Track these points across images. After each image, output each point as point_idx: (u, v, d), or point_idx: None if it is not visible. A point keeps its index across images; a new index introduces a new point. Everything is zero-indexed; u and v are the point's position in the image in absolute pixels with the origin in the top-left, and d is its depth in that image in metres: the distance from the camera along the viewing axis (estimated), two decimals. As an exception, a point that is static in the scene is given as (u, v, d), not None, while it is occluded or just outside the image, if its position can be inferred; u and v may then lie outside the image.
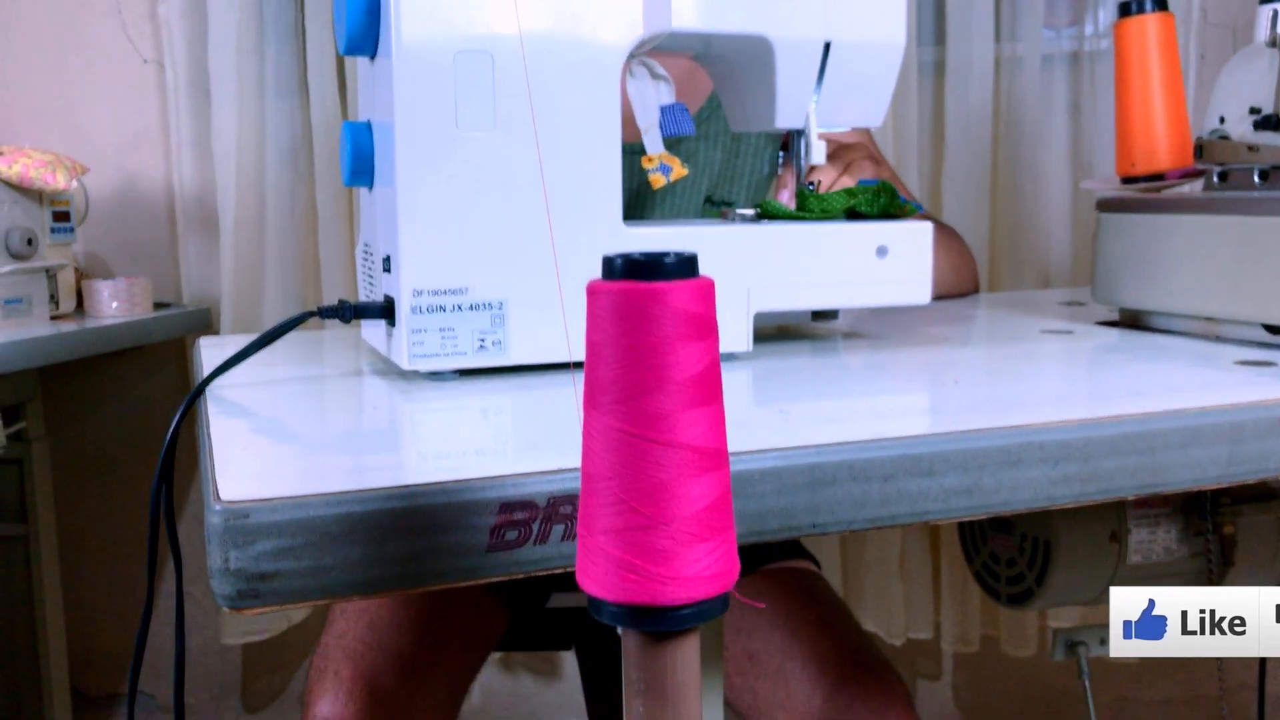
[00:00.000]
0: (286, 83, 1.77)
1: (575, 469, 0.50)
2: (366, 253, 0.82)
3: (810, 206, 0.84)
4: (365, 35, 0.74)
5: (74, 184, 1.56)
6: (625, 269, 0.38)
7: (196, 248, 1.84)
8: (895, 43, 0.82)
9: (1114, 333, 0.94)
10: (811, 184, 0.87)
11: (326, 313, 0.74)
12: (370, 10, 0.73)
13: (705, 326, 0.38)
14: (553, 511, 0.50)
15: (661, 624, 0.38)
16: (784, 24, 0.79)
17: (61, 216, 1.61)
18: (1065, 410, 0.62)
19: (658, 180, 0.81)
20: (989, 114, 1.61)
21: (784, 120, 0.82)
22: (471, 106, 0.72)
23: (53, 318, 1.60)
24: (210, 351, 0.95)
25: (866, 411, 0.66)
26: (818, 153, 0.82)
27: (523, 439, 0.57)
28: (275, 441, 0.60)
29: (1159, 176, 1.05)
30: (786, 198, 0.90)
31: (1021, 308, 1.15)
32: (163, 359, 1.85)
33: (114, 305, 1.65)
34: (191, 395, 0.70)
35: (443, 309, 0.73)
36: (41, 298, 1.58)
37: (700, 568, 0.38)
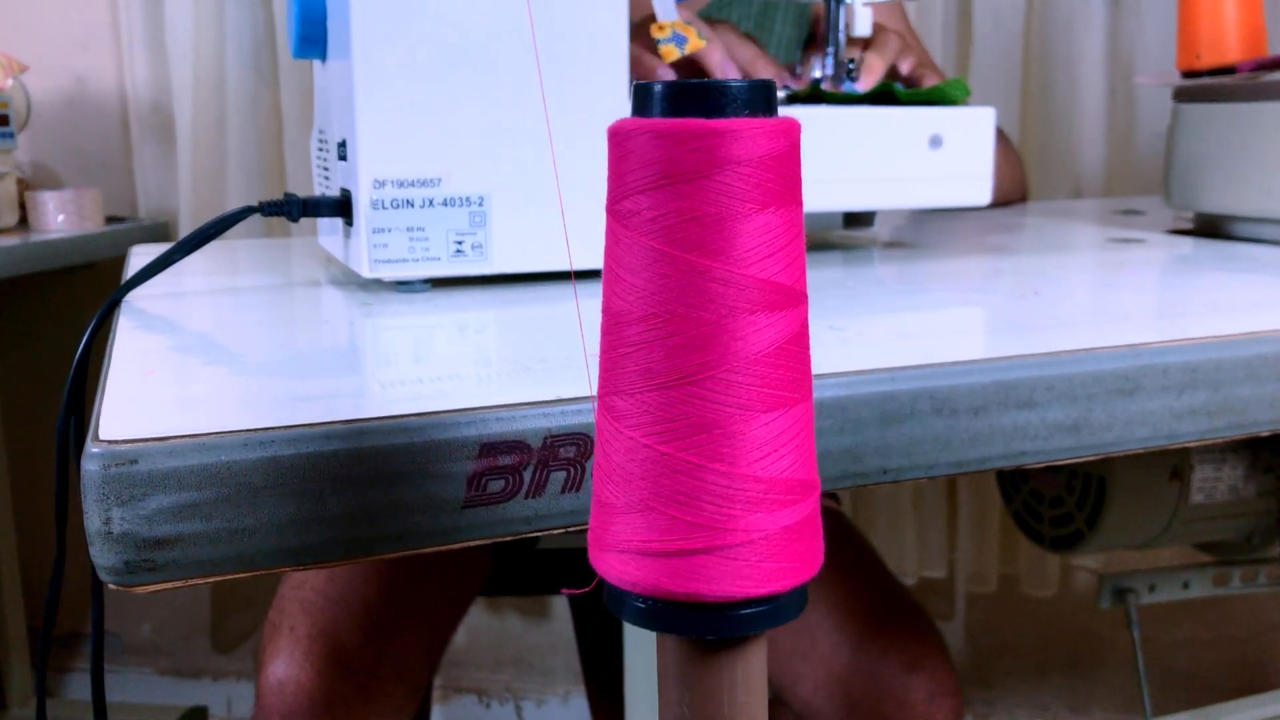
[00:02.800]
0: (247, -25, 1.61)
1: (579, 399, 0.38)
2: (321, 141, 0.69)
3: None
4: None
5: (9, 82, 1.41)
6: (670, 99, 0.25)
7: (152, 156, 1.69)
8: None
9: (1189, 242, 0.82)
10: (851, 62, 0.74)
11: (269, 209, 0.61)
12: None
13: (788, 186, 0.25)
14: (550, 455, 0.38)
15: (718, 628, 0.26)
16: None
17: (-1, 120, 1.46)
18: (1182, 327, 0.50)
19: (669, 52, 0.67)
20: (1021, 1, 1.47)
21: (823, -18, 0.69)
22: (444, -48, 0.58)
23: (-7, 232, 1.46)
24: (143, 259, 0.82)
25: (940, 327, 0.53)
26: (862, 22, 0.69)
27: (511, 363, 0.45)
28: (191, 365, 0.47)
29: (1229, 70, 0.92)
30: (814, 69, 0.76)
31: (1073, 215, 1.02)
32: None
33: (60, 219, 1.51)
34: (104, 308, 0.57)
35: (410, 204, 0.59)
36: (-22, 210, 1.44)
37: (778, 543, 0.26)
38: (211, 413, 0.38)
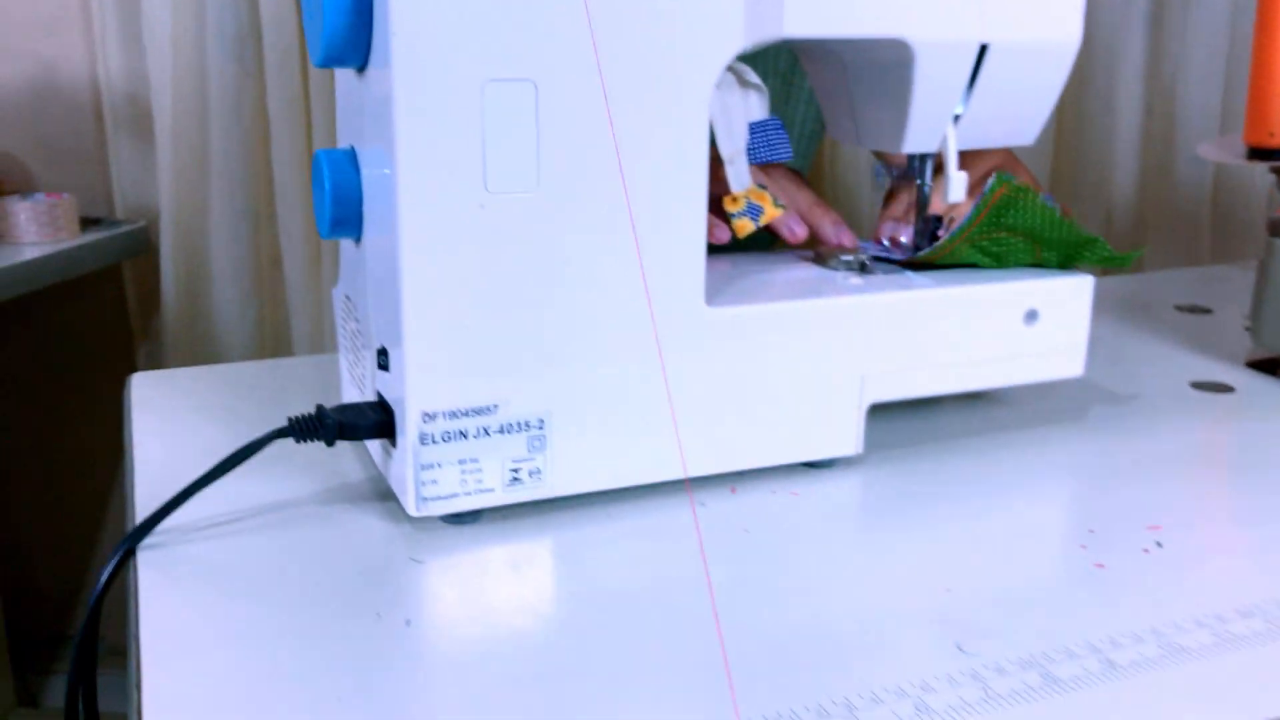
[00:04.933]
0: (228, -41, 1.49)
1: None
2: (349, 305, 0.61)
3: (986, 255, 0.64)
4: (350, 40, 0.51)
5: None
6: None
7: (129, 151, 1.58)
8: (1068, 41, 0.61)
9: None
10: (938, 219, 0.66)
11: (301, 432, 0.54)
12: (358, 9, 0.50)
13: None
14: None
15: None
16: (931, 22, 0.57)
17: (-38, 125, 1.36)
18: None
19: (744, 227, 0.60)
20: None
21: (915, 143, 0.61)
22: (506, 156, 0.50)
23: (-42, 242, 1.37)
24: (144, 392, 0.75)
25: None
26: (958, 187, 0.62)
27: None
28: (226, 655, 0.41)
29: (1304, 152, 0.86)
30: (889, 231, 0.69)
31: (1130, 317, 0.95)
32: (95, 285, 1.62)
33: (33, 230, 1.41)
34: (116, 558, 0.51)
35: (464, 435, 0.53)
36: (-57, 221, 1.34)
37: None
38: None
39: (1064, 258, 0.65)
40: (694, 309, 0.55)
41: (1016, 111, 0.62)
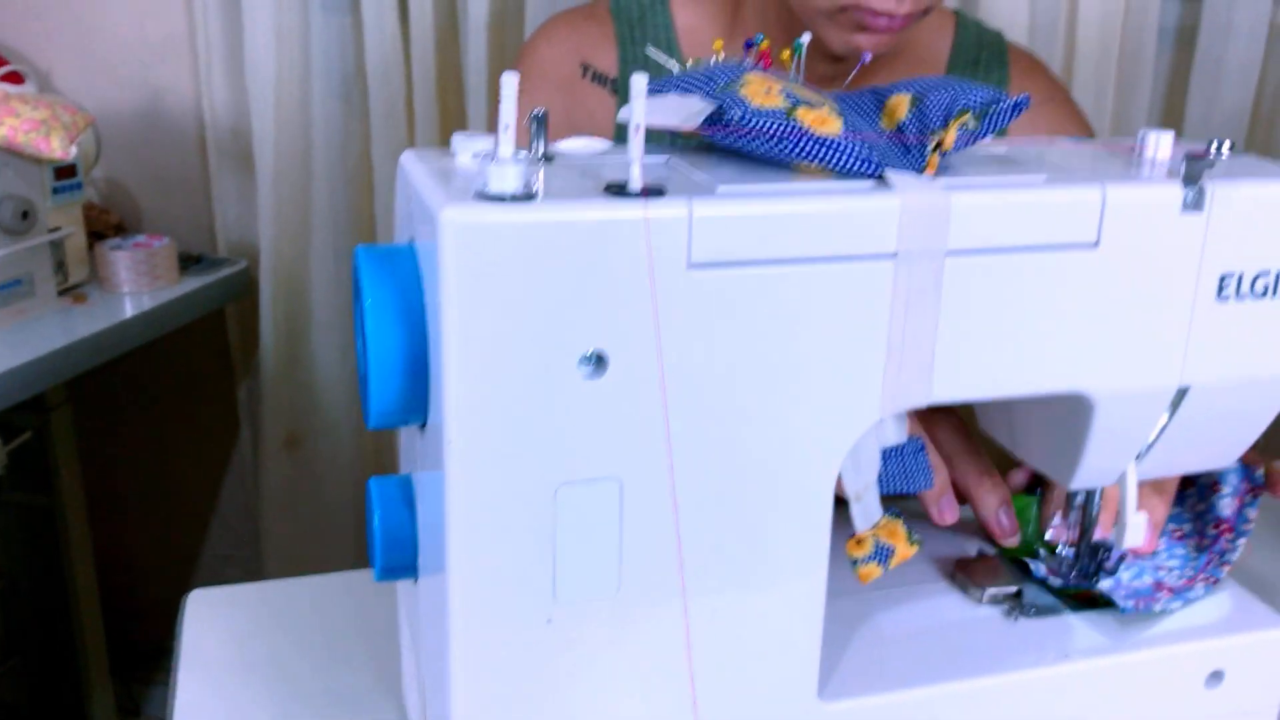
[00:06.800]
0: (335, -3, 1.41)
1: None
2: (414, 646, 0.54)
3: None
4: (404, 403, 0.43)
5: (74, 150, 1.25)
6: None
7: (232, 185, 1.53)
8: (1291, 374, 0.49)
9: None
10: (1106, 552, 0.55)
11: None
12: (413, 372, 0.42)
13: None
14: None
15: None
16: (1117, 373, 0.46)
17: (65, 172, 1.32)
18: None
19: (869, 574, 0.50)
20: (1247, 105, 1.21)
21: (1087, 480, 0.51)
22: (580, 568, 0.42)
23: (61, 291, 1.34)
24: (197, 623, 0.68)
25: None
26: (1135, 532, 0.51)
27: None
28: None
29: None
30: (1057, 533, 0.59)
31: None
32: (199, 326, 1.57)
33: (131, 279, 1.37)
34: None
35: None
36: (45, 273, 1.31)
37: None
38: None
39: None
40: (804, 704, 0.46)
41: (1217, 442, 0.51)
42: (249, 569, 1.74)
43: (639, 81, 0.39)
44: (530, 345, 0.39)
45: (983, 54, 0.89)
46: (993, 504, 0.59)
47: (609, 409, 0.40)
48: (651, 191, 0.40)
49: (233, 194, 1.53)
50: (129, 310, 1.33)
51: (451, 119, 1.41)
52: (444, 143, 1.43)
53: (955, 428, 0.62)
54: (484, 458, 0.40)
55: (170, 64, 1.52)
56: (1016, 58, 0.90)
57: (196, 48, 1.47)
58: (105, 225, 1.52)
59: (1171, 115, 1.29)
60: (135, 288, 1.38)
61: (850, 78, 0.77)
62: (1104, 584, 0.56)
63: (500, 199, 0.38)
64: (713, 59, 0.49)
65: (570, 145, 0.47)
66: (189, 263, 1.48)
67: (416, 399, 0.42)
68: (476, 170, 0.39)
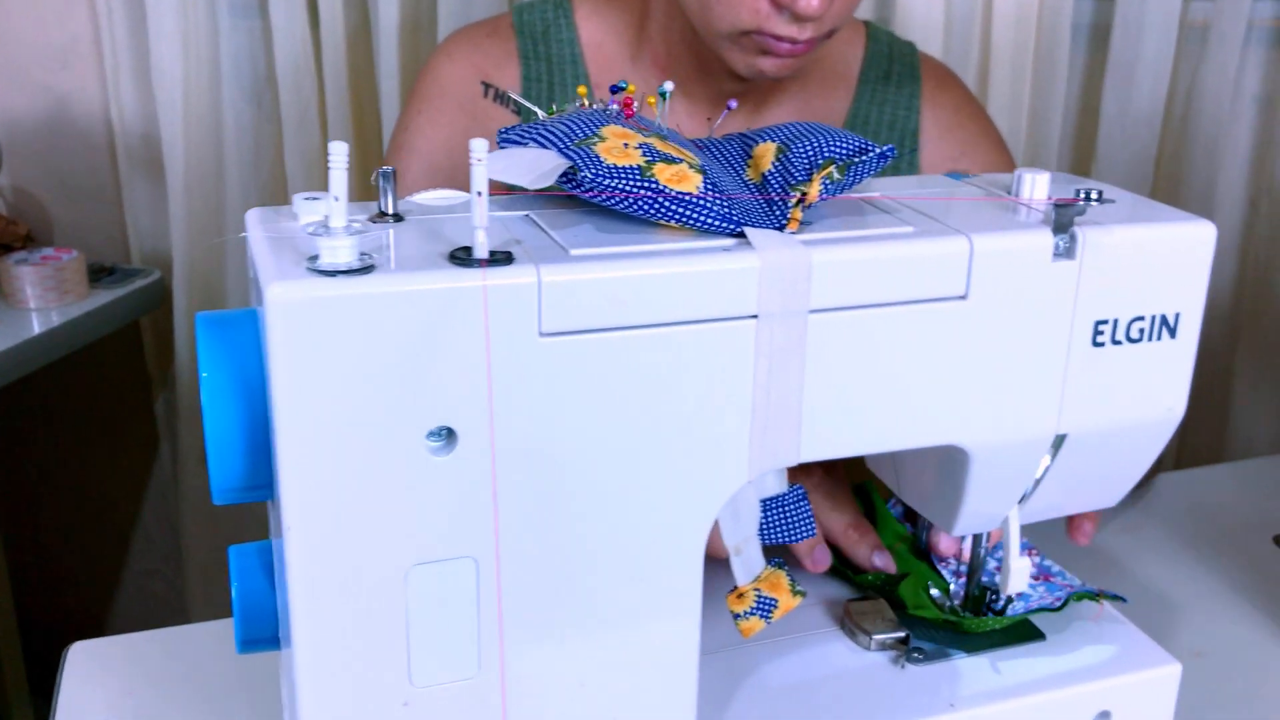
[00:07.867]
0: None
1: None
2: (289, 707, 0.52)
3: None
4: (249, 478, 0.41)
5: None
6: None
7: (144, 193, 1.49)
8: (1170, 418, 0.48)
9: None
10: (994, 595, 0.55)
11: None
12: (254, 447, 0.40)
13: None
14: None
15: None
16: (989, 426, 0.45)
17: (-37, 183, 1.27)
18: None
19: (752, 628, 0.49)
20: (1160, 104, 1.22)
21: (968, 526, 0.50)
22: (436, 649, 0.40)
23: (-38, 305, 1.29)
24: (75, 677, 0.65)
25: None
26: (1019, 579, 0.50)
27: None
28: None
29: None
30: (949, 548, 0.58)
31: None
32: (112, 339, 1.54)
33: (38, 294, 1.33)
34: None
35: None
36: (-54, 288, 1.27)
37: None
38: None
39: None
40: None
41: (1099, 485, 0.50)
42: (173, 585, 1.71)
43: (479, 146, 0.38)
44: (373, 421, 0.37)
45: (894, 66, 0.88)
46: (865, 553, 0.59)
47: (460, 485, 0.39)
48: (498, 258, 0.39)
49: (144, 202, 1.49)
50: (36, 327, 1.29)
51: (365, 122, 1.38)
52: (360, 144, 1.39)
53: (820, 479, 0.61)
54: (327, 538, 0.38)
55: (75, 69, 1.48)
56: (929, 70, 0.89)
57: (102, 52, 1.43)
58: (14, 237, 1.47)
59: (1087, 112, 1.29)
60: (43, 303, 1.34)
61: (721, 120, 0.76)
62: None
63: (332, 273, 0.36)
64: (578, 104, 0.47)
65: (426, 198, 0.45)
66: (100, 274, 1.44)
67: (261, 474, 0.41)
68: (312, 236, 0.38)
